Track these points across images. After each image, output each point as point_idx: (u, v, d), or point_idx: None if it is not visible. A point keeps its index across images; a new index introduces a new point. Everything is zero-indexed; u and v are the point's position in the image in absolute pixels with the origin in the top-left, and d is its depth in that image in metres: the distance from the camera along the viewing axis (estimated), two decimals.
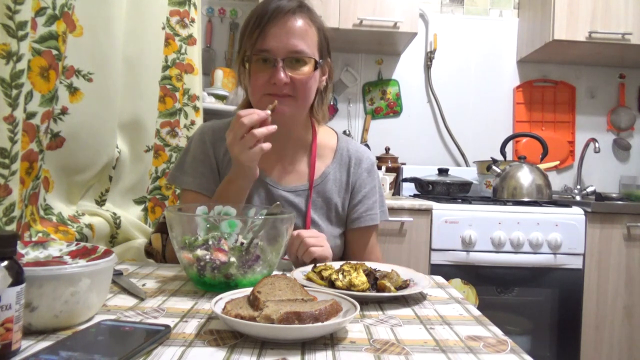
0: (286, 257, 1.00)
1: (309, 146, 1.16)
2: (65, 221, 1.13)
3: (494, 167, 2.36)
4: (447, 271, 1.98)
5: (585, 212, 2.04)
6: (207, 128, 1.18)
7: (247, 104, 1.12)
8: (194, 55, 1.58)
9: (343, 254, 1.19)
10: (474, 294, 2.01)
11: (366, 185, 1.18)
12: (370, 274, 0.82)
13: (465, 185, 2.48)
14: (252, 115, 0.93)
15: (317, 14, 1.08)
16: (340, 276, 0.80)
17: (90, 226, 1.19)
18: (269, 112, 0.96)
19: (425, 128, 2.82)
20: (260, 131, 0.93)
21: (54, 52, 0.96)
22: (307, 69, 1.03)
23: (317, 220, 1.13)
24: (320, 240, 0.98)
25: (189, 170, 1.14)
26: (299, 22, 1.02)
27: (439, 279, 0.99)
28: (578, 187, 2.69)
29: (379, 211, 1.19)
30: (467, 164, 2.77)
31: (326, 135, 1.20)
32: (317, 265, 0.86)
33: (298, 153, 1.15)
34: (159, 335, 0.57)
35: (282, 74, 1.00)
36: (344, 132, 2.75)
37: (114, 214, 1.30)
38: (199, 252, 0.79)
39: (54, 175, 1.14)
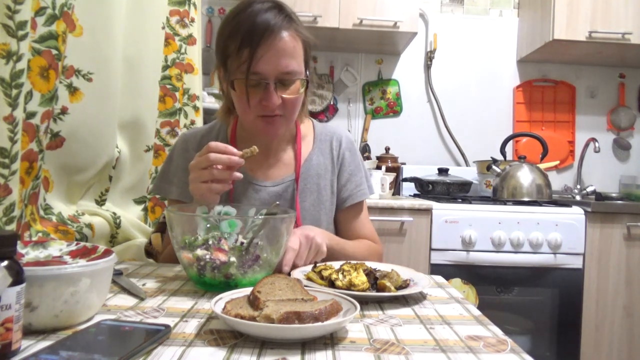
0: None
1: (292, 137, 1.18)
2: (65, 221, 1.13)
3: (494, 167, 2.36)
4: (447, 271, 1.98)
5: (585, 212, 2.04)
6: (189, 136, 1.19)
7: (227, 111, 1.13)
8: (194, 55, 1.58)
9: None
10: (473, 293, 2.01)
11: (350, 163, 1.21)
12: (370, 273, 0.82)
13: (465, 185, 2.48)
14: (221, 157, 0.88)
15: (298, 20, 1.04)
16: (340, 276, 0.80)
17: (90, 226, 1.19)
18: (242, 160, 0.89)
19: (425, 128, 2.82)
20: (219, 176, 0.89)
21: (54, 51, 0.96)
22: (296, 87, 1.02)
23: (309, 208, 1.14)
24: (313, 242, 0.96)
25: (173, 180, 1.14)
26: (287, 38, 0.99)
27: (439, 278, 0.99)
28: (578, 186, 2.69)
29: (367, 185, 1.22)
30: (467, 164, 2.77)
31: (304, 124, 1.23)
32: (317, 265, 0.87)
33: (281, 145, 1.17)
34: (159, 335, 0.57)
35: (274, 97, 0.99)
36: None
37: (114, 213, 1.30)
38: (199, 252, 0.79)
39: (53, 175, 1.14)
